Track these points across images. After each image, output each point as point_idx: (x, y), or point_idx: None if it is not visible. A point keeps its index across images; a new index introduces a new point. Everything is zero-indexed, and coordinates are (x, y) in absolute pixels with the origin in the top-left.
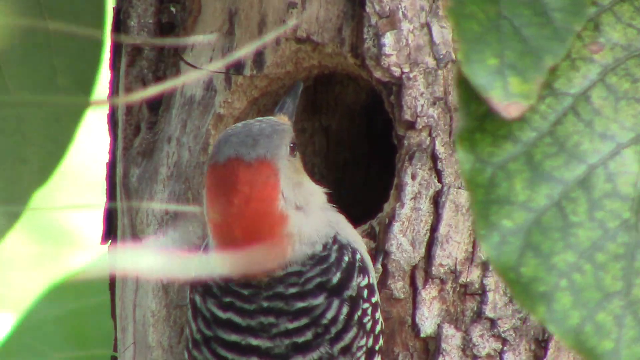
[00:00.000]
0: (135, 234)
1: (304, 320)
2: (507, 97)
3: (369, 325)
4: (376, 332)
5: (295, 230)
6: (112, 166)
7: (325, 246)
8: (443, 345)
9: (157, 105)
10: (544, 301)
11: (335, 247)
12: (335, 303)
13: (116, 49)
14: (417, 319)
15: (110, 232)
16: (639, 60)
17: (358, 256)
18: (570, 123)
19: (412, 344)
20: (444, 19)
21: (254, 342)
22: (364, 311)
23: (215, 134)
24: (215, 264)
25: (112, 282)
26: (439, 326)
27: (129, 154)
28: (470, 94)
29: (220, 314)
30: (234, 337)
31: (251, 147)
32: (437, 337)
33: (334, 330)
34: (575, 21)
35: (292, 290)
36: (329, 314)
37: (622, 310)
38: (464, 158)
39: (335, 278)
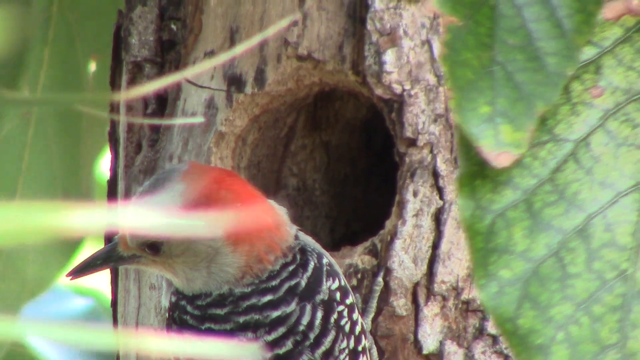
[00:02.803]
0: None
1: (281, 330)
2: (498, 147)
3: (347, 327)
4: (356, 332)
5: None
6: (112, 184)
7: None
8: None
9: (158, 124)
10: (541, 354)
11: (297, 246)
12: (308, 308)
13: (116, 66)
14: (419, 336)
15: None
16: (639, 104)
17: (325, 260)
18: (570, 170)
19: None
20: None
21: None
22: (340, 314)
23: (217, 152)
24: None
25: (114, 300)
26: (442, 343)
27: (131, 171)
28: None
29: None
30: None
31: None
32: (439, 354)
33: (312, 336)
34: (568, 66)
35: (265, 299)
36: (304, 320)
37: None
38: (464, 205)
39: (303, 281)
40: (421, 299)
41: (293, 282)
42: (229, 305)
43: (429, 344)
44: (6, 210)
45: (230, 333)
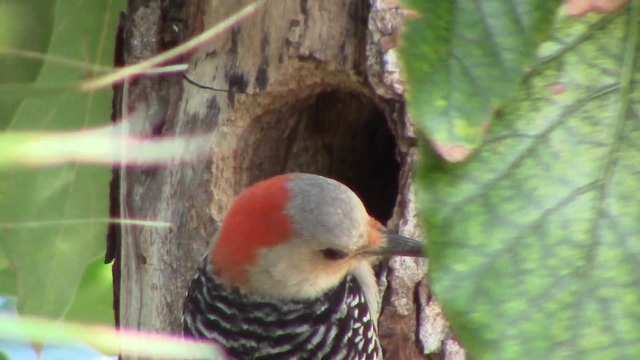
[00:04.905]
0: (139, 253)
1: (286, 347)
2: (452, 141)
3: (361, 345)
4: (369, 350)
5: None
6: (114, 185)
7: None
8: None
9: (160, 124)
10: (492, 349)
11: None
12: (322, 329)
13: (119, 67)
14: (420, 336)
15: (114, 251)
16: (600, 102)
17: (348, 277)
18: (528, 166)
19: None
20: None
21: None
22: (355, 331)
23: (219, 152)
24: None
25: (116, 300)
26: (443, 342)
27: (133, 172)
28: None
29: (207, 333)
30: None
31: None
32: (441, 354)
33: (320, 354)
34: (524, 62)
35: (271, 318)
36: (315, 340)
37: None
38: (422, 197)
39: (320, 309)
40: (423, 299)
41: (309, 311)
42: (234, 307)
43: (431, 344)
44: None
45: (234, 335)
